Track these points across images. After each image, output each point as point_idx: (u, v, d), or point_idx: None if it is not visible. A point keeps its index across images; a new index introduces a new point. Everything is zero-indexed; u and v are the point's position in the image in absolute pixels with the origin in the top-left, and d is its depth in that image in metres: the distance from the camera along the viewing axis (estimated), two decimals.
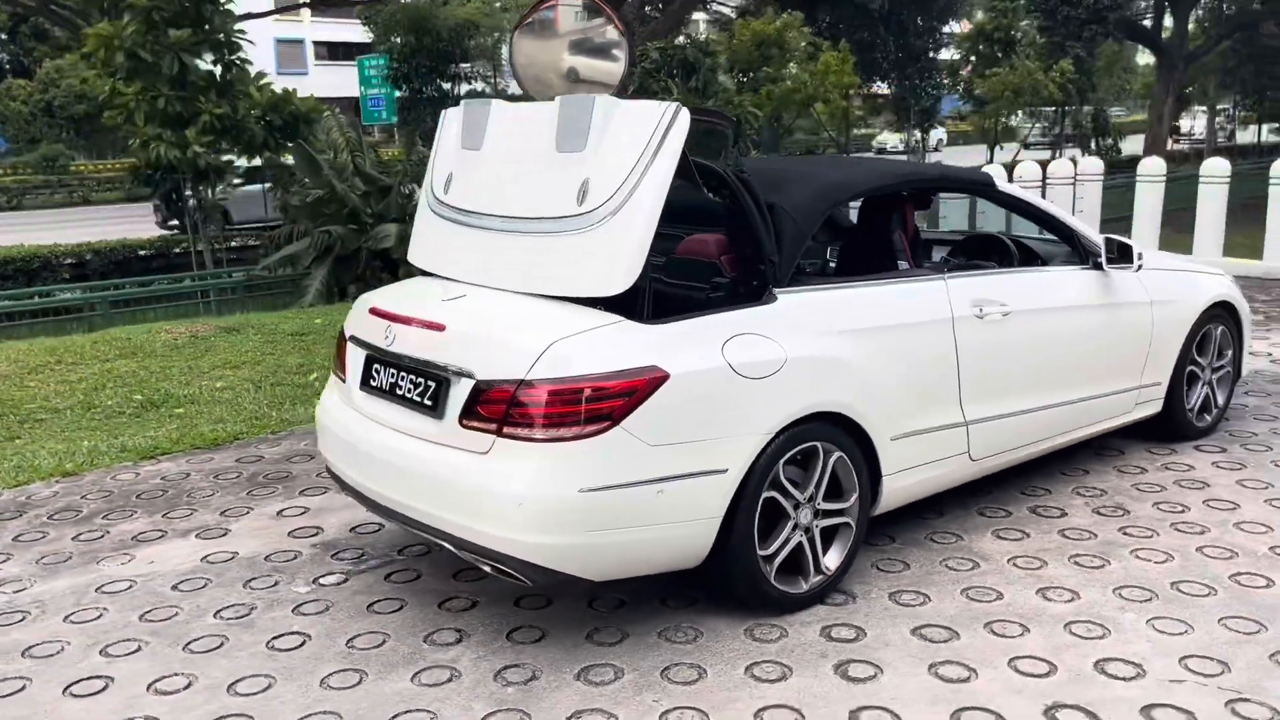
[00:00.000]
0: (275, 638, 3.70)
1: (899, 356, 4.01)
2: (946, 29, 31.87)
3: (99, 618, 3.90)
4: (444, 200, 4.17)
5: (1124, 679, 3.29)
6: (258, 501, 5.07)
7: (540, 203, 3.69)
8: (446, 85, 27.19)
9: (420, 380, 3.65)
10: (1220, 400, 5.66)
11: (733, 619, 3.71)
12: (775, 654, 3.49)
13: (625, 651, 3.52)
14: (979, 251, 5.05)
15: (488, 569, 3.51)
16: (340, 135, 14.30)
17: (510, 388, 3.32)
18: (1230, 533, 4.37)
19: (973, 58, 30.75)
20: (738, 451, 3.50)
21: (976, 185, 5.13)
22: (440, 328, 3.59)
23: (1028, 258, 5.01)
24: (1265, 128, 42.56)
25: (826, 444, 3.73)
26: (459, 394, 3.46)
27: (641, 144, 3.44)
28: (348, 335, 4.10)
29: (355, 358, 4.01)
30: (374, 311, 3.93)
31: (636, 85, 18.24)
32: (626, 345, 3.40)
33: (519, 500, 3.27)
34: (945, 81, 32.16)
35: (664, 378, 3.35)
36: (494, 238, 3.85)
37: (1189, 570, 4.03)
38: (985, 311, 4.31)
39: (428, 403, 3.60)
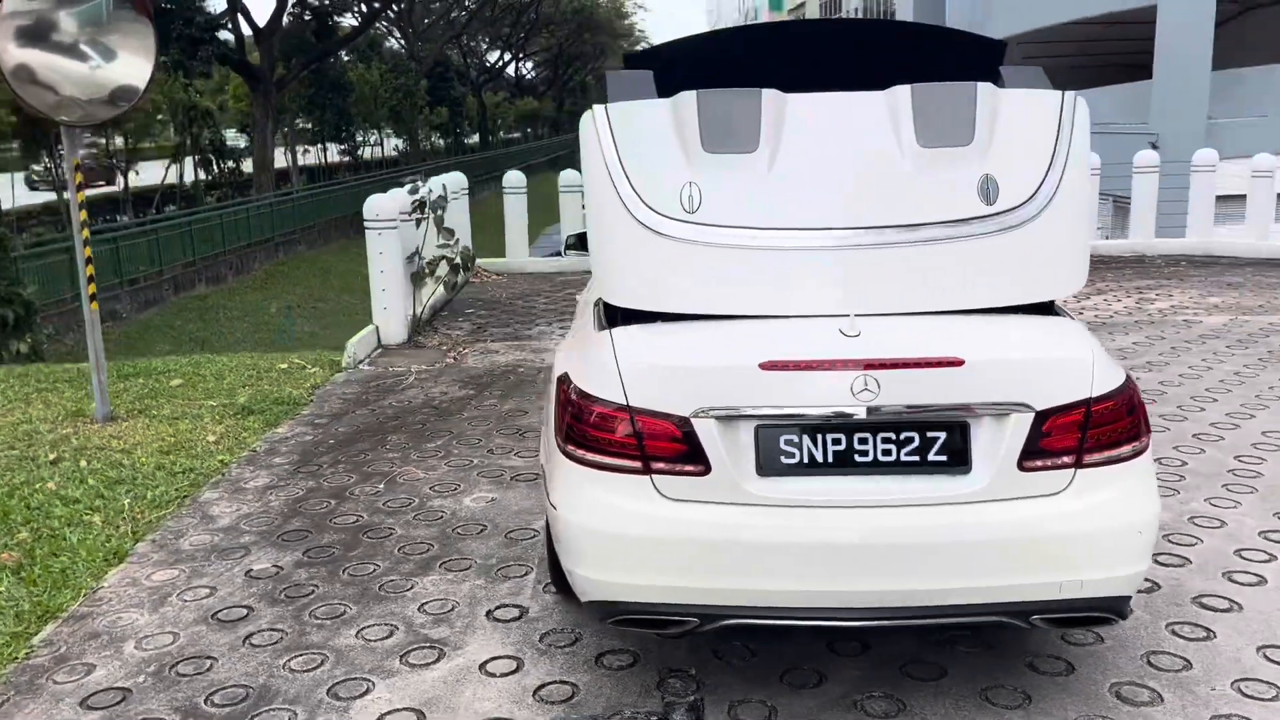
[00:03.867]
0: None
1: None
2: None
3: None
4: (692, 220, 3.21)
5: None
6: None
7: (918, 206, 3.19)
8: None
9: (913, 435, 2.91)
10: None
11: None
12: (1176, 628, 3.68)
13: (1100, 671, 3.37)
14: None
15: (1039, 625, 2.99)
16: None
17: (1080, 411, 2.94)
18: None
19: None
20: None
21: None
22: (958, 363, 2.90)
23: None
24: (333, 147, 46.94)
25: None
26: (1007, 434, 2.90)
27: (1050, 133, 3.26)
28: (688, 413, 2.92)
29: (730, 436, 2.92)
30: (785, 366, 2.91)
31: None
32: (1099, 343, 3.24)
33: (1139, 529, 2.95)
34: None
35: None
36: (844, 256, 3.16)
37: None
38: None
39: (936, 458, 2.91)
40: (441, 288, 9.33)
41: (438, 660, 3.54)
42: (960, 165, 3.21)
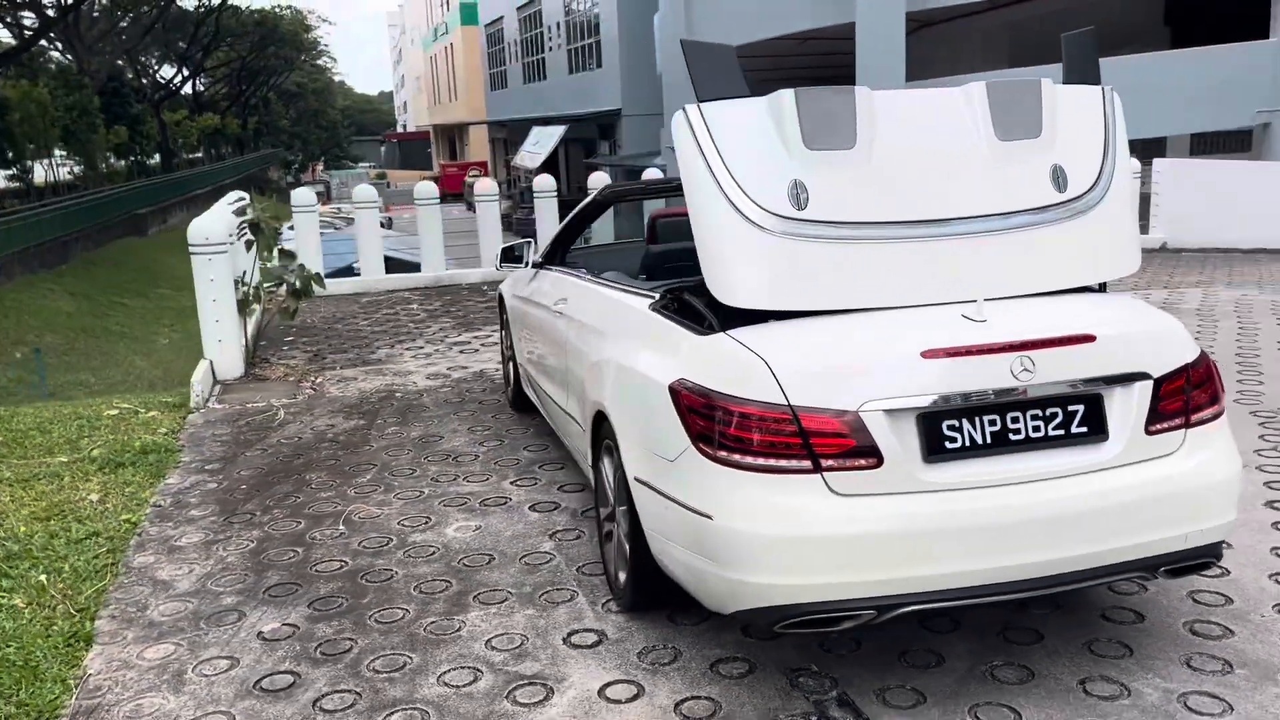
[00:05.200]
0: None
1: None
2: None
3: None
4: (803, 216, 3.24)
5: None
6: None
7: (1002, 197, 3.42)
8: None
9: (1057, 410, 3.09)
10: None
11: None
12: None
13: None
14: None
15: (1162, 576, 3.25)
16: None
17: (1183, 377, 3.24)
18: None
19: None
20: None
21: None
22: (1091, 338, 3.09)
23: None
24: None
25: None
26: (1134, 401, 3.14)
27: (1099, 125, 3.57)
28: (856, 407, 2.94)
29: (898, 427, 2.96)
30: (948, 353, 2.98)
31: None
32: None
33: (1235, 479, 3.28)
34: None
35: None
36: (952, 245, 3.32)
37: None
38: None
39: (1078, 430, 3.11)
40: (277, 316, 8.65)
41: (550, 695, 3.33)
42: (1034, 156, 3.44)
